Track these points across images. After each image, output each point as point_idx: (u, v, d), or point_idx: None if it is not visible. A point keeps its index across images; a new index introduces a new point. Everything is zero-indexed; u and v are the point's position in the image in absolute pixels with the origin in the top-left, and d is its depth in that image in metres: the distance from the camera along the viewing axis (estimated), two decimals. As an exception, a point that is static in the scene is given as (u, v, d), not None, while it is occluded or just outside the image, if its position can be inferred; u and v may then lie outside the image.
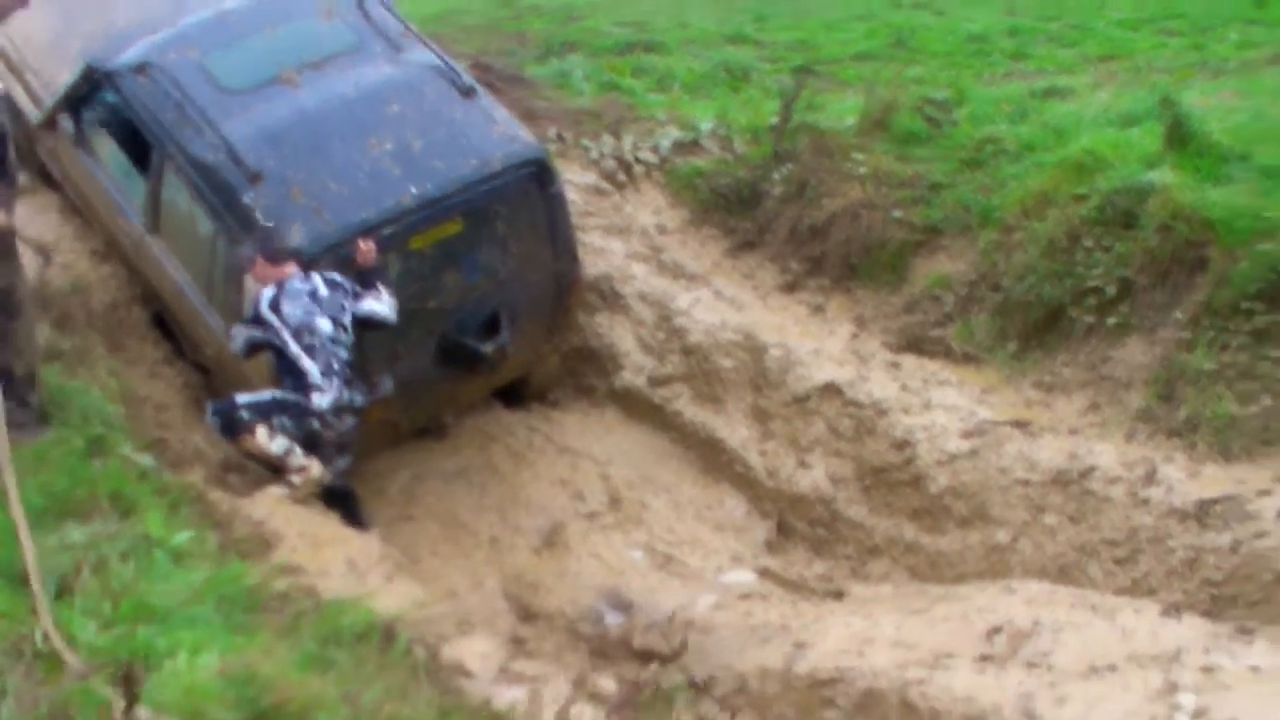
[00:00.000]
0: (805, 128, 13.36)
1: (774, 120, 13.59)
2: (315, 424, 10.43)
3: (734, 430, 12.10)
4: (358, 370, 10.60)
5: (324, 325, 10.36)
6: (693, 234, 13.38)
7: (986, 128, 13.21)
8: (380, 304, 10.54)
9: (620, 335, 12.76)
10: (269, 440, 10.35)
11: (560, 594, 10.94)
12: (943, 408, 11.21)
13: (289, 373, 10.41)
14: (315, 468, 10.39)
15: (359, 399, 10.58)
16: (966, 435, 10.94)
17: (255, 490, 10.48)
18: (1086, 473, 10.32)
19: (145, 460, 9.70)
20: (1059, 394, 11.15)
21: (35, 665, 6.95)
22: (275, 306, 10.29)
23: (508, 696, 8.47)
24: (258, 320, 10.33)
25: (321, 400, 10.35)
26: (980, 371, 11.57)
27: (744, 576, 11.02)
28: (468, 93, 11.57)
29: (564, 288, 11.98)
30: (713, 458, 12.19)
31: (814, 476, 11.58)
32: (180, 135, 11.10)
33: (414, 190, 10.92)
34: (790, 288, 12.80)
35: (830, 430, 11.60)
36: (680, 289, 12.80)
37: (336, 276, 10.49)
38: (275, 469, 10.49)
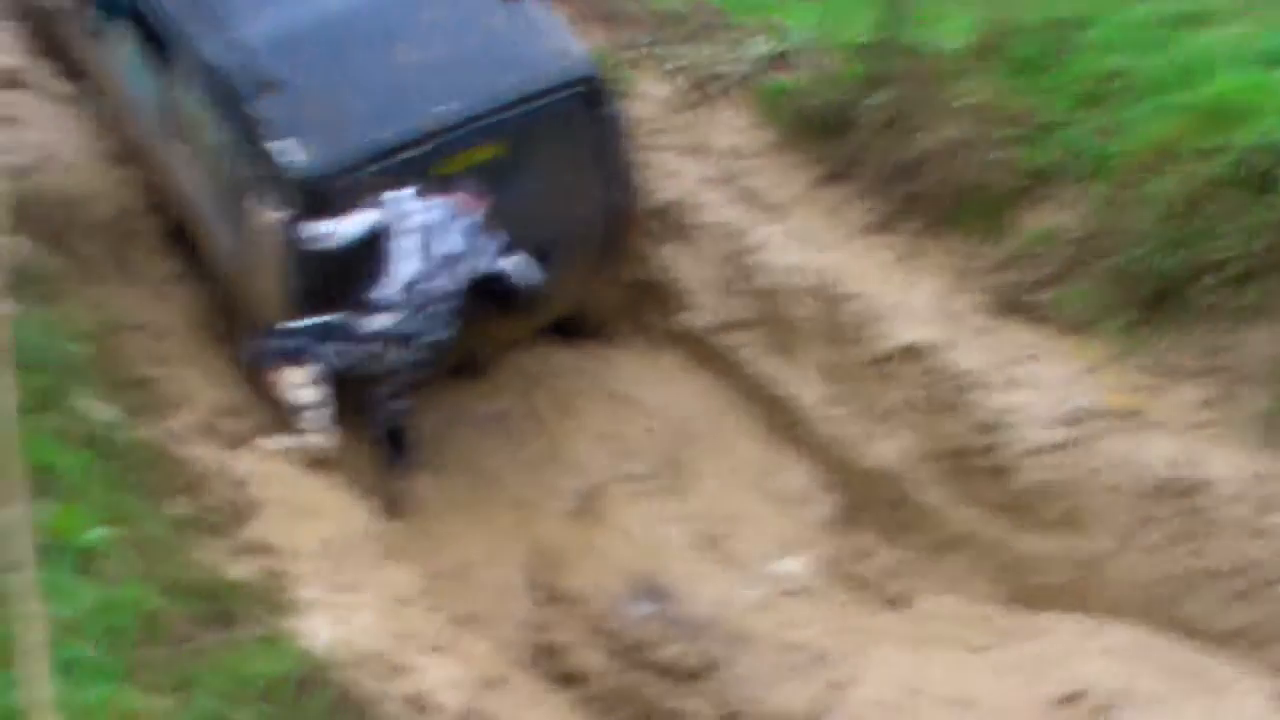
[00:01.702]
0: (906, 48, 11.27)
1: (873, 36, 11.48)
2: (364, 355, 8.94)
3: (803, 389, 10.22)
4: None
5: (452, 243, 8.96)
6: (775, 160, 11.35)
7: (1112, 58, 11.04)
8: (526, 270, 9.33)
9: (687, 270, 10.89)
10: (297, 386, 8.90)
11: (587, 573, 9.26)
12: (1036, 387, 9.26)
13: (380, 260, 8.94)
14: (321, 440, 8.91)
15: (437, 334, 9.06)
16: (1061, 423, 8.99)
17: (249, 440, 8.87)
18: (1200, 486, 8.33)
19: (107, 413, 8.02)
20: (1171, 381, 9.07)
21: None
22: (407, 199, 8.93)
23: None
24: (381, 203, 8.89)
25: (372, 323, 8.86)
26: (1083, 345, 9.49)
27: (795, 567, 9.25)
28: (514, -4, 9.74)
29: (618, 222, 10.11)
30: (777, 418, 10.32)
31: (887, 451, 9.69)
32: (194, 31, 9.43)
33: (440, 109, 9.17)
34: (879, 229, 10.74)
35: (908, 400, 9.70)
36: (756, 222, 10.88)
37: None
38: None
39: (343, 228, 8.80)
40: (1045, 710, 6.83)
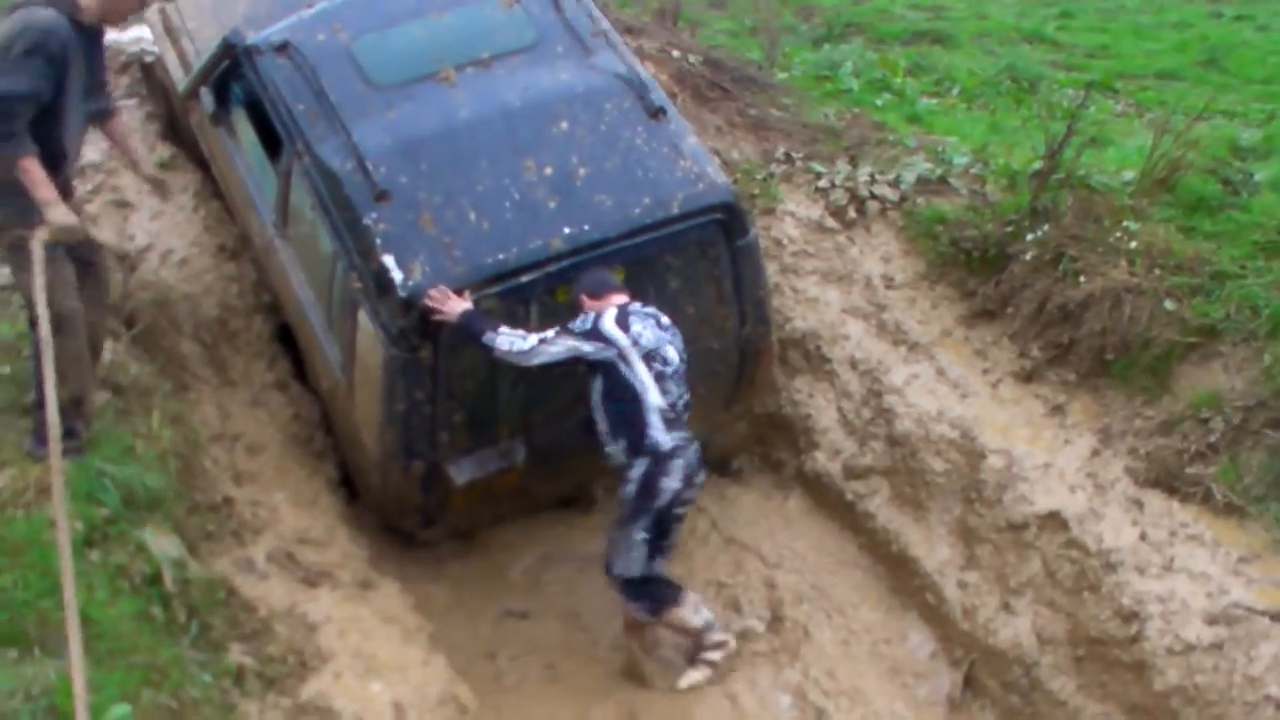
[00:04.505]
0: (1072, 181, 10.28)
1: (1037, 165, 10.54)
2: (664, 500, 8.16)
3: (933, 549, 9.23)
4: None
5: (673, 355, 8.17)
6: (924, 292, 10.37)
7: (1294, 199, 10.04)
8: None
9: (820, 407, 9.98)
10: (694, 613, 8.40)
11: (679, 748, 8.30)
12: (1188, 574, 8.11)
13: (617, 399, 8.07)
14: (731, 640, 8.59)
15: (692, 462, 8.22)
16: (1211, 621, 7.89)
17: (329, 574, 8.17)
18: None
19: (171, 548, 7.29)
20: (1341, 582, 8.02)
21: None
22: (623, 323, 8.01)
23: None
24: (597, 335, 7.95)
25: (671, 480, 8.09)
26: (1243, 529, 8.34)
27: (905, 761, 8.28)
28: (655, 114, 8.85)
29: (750, 356, 9.22)
30: (902, 580, 9.33)
31: (1018, 628, 8.62)
32: (310, 131, 8.68)
33: (567, 231, 8.36)
34: (1027, 377, 9.72)
35: (1047, 573, 8.62)
36: (898, 359, 9.94)
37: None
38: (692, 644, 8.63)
39: (547, 348, 7.90)
40: None
